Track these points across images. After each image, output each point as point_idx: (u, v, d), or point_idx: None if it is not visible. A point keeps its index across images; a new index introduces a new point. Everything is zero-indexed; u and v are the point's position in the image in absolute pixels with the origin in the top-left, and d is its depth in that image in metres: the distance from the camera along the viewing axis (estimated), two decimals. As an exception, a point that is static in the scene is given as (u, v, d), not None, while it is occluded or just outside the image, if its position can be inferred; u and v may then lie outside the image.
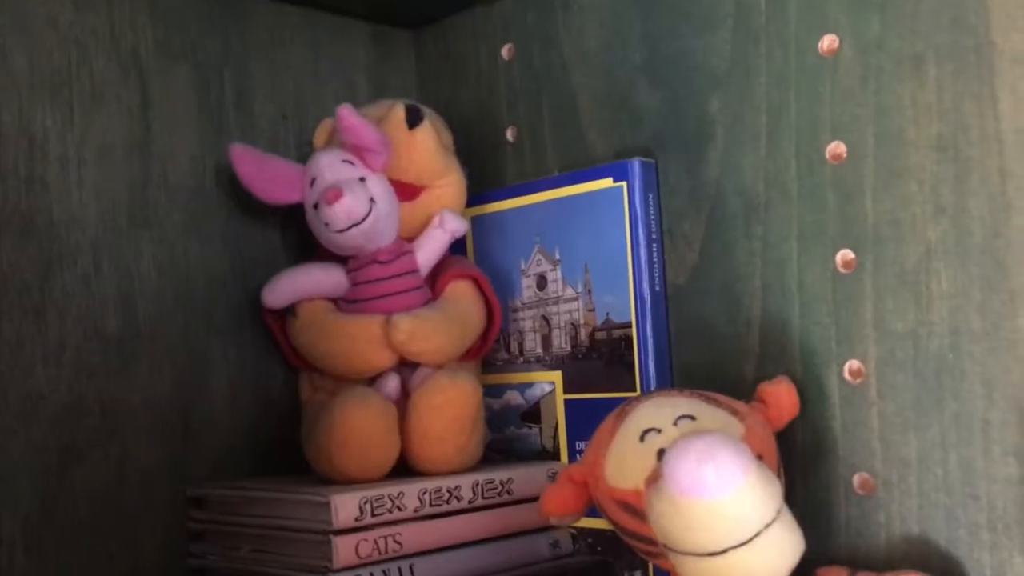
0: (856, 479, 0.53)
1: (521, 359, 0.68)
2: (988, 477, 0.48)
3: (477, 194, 0.69)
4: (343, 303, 0.62)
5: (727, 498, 0.43)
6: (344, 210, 0.58)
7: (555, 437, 0.65)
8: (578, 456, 0.63)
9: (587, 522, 0.62)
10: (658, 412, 0.50)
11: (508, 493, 0.59)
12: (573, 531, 0.63)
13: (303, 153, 0.66)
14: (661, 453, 0.48)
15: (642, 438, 0.49)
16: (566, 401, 0.65)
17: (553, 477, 0.62)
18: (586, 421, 0.63)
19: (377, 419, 0.57)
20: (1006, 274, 0.48)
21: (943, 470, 0.50)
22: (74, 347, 0.58)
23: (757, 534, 0.44)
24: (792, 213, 0.56)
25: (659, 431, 0.49)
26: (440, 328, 0.60)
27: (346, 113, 0.58)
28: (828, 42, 0.54)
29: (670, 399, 0.51)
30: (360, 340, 0.60)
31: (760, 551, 0.44)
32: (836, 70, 0.54)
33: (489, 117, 0.72)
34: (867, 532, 0.52)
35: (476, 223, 0.70)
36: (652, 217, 0.62)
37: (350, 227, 0.59)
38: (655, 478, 0.47)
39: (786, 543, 0.45)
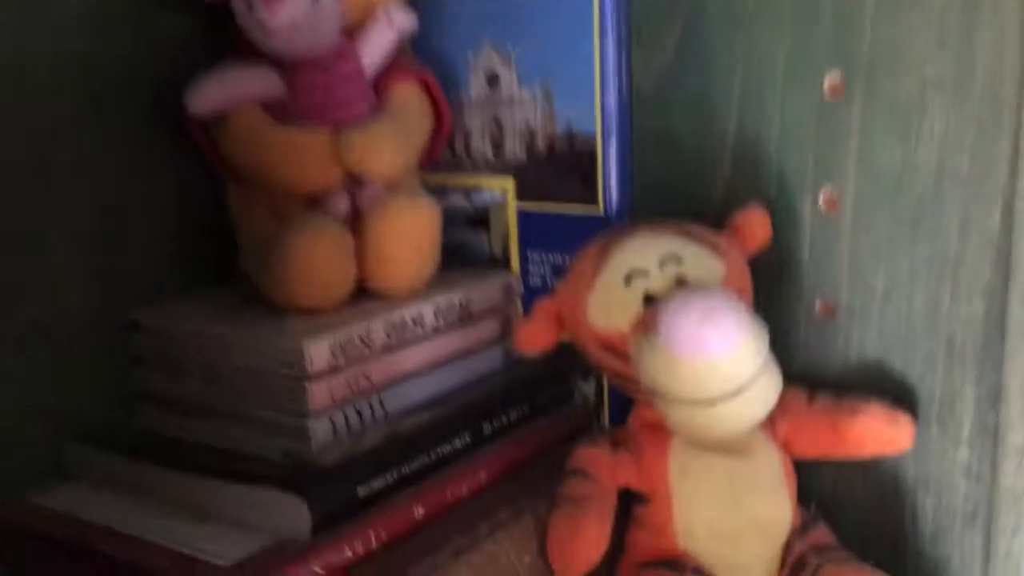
0: (818, 304, 0.54)
1: (469, 161, 0.63)
2: (951, 314, 0.50)
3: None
4: (279, 111, 0.55)
5: (725, 358, 0.44)
6: (285, 12, 0.50)
7: (505, 245, 0.63)
8: (531, 267, 0.62)
9: (540, 331, 0.62)
10: (642, 252, 0.49)
11: (468, 314, 0.58)
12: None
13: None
14: (648, 299, 0.47)
15: (627, 281, 0.48)
16: (519, 210, 0.62)
17: (509, 293, 0.61)
18: (541, 232, 0.61)
19: (335, 249, 0.53)
20: (1002, 116, 0.47)
21: (907, 304, 0.51)
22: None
23: (746, 385, 0.45)
24: (784, 27, 0.52)
25: (645, 274, 0.48)
26: (393, 143, 0.55)
27: None
28: None
29: (653, 237, 0.50)
30: (307, 155, 0.54)
31: (747, 399, 0.46)
32: None
33: None
34: (824, 353, 0.54)
35: (416, 8, 0.62)
36: (623, 17, 0.56)
37: (290, 30, 0.51)
38: (645, 327, 0.46)
39: (770, 390, 0.46)
